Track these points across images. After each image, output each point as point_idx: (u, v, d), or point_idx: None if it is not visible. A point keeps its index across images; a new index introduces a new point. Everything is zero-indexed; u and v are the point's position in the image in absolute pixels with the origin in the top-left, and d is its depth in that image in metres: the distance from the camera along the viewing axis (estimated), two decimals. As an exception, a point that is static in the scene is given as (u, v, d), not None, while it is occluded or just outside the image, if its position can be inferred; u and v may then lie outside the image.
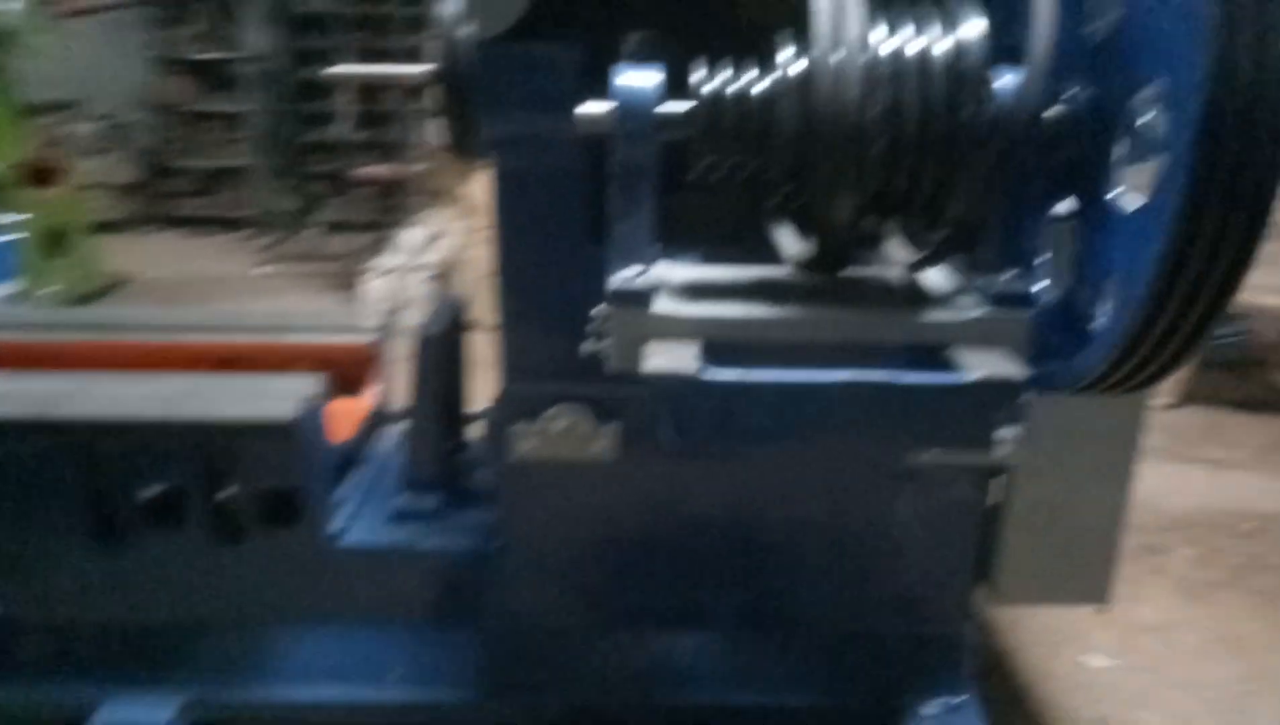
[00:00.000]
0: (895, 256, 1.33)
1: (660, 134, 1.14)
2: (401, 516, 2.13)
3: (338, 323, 2.43)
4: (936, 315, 1.12)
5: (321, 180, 7.17)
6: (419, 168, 5.08)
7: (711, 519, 1.93)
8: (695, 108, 1.15)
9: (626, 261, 1.16)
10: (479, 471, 2.35)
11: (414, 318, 4.82)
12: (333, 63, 7.03)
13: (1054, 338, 1.11)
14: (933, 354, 1.11)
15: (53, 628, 2.14)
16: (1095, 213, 1.09)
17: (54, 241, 5.27)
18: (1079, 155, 1.11)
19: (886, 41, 1.10)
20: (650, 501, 1.90)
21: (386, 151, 6.17)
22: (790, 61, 1.11)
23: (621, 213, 1.17)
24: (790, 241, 1.35)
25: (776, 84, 1.14)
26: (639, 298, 1.14)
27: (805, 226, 1.27)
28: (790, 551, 1.90)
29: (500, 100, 1.65)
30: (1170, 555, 3.18)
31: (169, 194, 7.91)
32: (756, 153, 1.15)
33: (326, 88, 7.11)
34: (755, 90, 1.14)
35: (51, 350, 2.43)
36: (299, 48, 7.22)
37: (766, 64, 1.16)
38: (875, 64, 1.07)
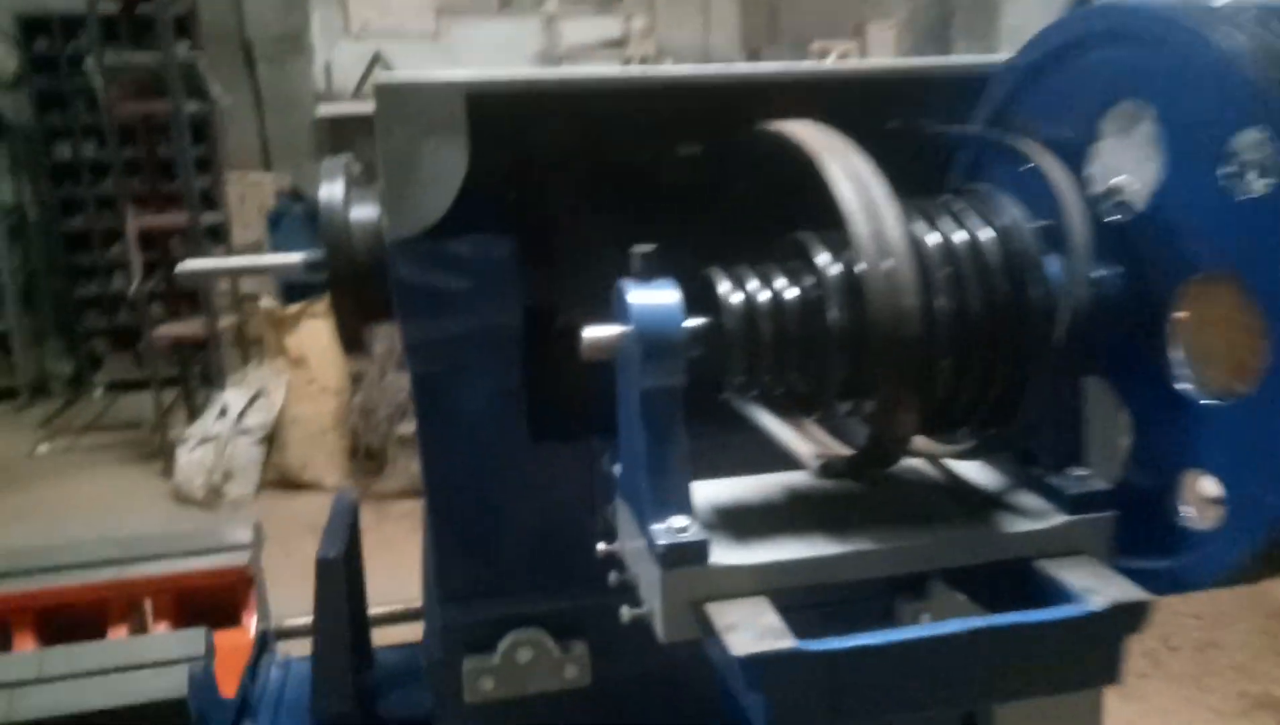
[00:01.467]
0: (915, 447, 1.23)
1: (690, 352, 0.99)
2: (318, 777, 1.79)
3: (199, 542, 2.07)
4: (1017, 526, 1.02)
5: (101, 337, 6.45)
6: (228, 321, 4.64)
7: None
8: (728, 321, 1.01)
9: (664, 508, 0.99)
10: (390, 697, 2.04)
11: (241, 488, 4.35)
12: (105, 207, 6.43)
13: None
14: (1013, 571, 1.01)
15: None
16: (1157, 403, 1.03)
17: None
18: (1123, 340, 1.05)
19: (929, 235, 1.01)
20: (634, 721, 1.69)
21: (182, 303, 5.60)
22: (829, 267, 0.99)
23: (651, 449, 1.00)
24: (797, 440, 1.22)
25: (814, 292, 1.01)
26: (694, 554, 0.96)
27: (843, 435, 1.14)
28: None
29: (419, 301, 1.45)
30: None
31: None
32: (799, 367, 1.01)
33: (104, 236, 6.48)
34: (790, 298, 1.01)
35: None
36: (63, 196, 6.54)
37: (790, 269, 1.04)
38: (928, 263, 0.97)
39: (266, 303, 4.45)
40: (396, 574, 2.43)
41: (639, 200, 1.41)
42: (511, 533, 1.57)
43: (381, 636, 2.18)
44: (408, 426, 4.12)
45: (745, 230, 1.22)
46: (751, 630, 0.91)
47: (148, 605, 2.03)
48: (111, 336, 6.76)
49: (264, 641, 2.11)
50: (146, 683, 1.56)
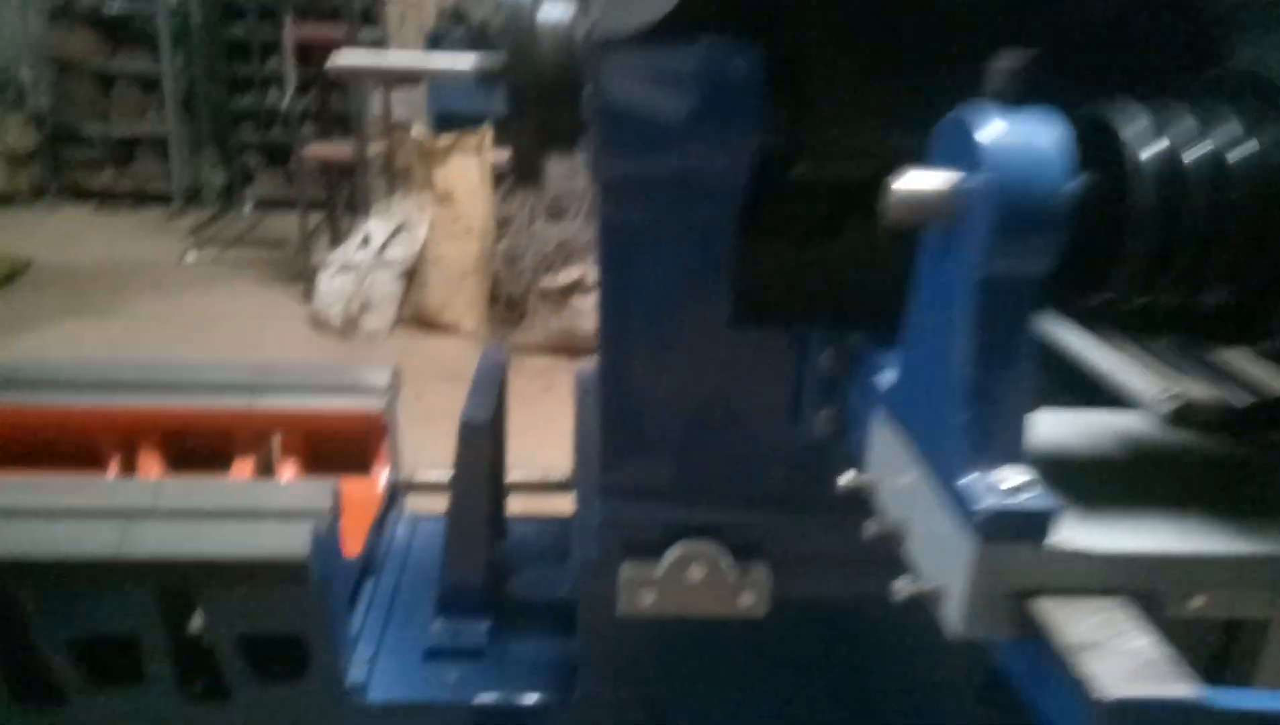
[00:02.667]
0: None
1: (1068, 228, 0.65)
2: (439, 654, 1.62)
3: (335, 380, 1.88)
4: None
5: (254, 152, 6.42)
6: (377, 147, 4.45)
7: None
8: (1137, 183, 0.66)
9: (986, 454, 0.67)
10: (522, 575, 1.84)
11: (377, 322, 4.25)
12: (266, 18, 6.27)
13: None
14: None
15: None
16: None
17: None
18: None
19: None
20: (811, 668, 1.44)
21: (334, 124, 5.46)
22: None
23: (981, 366, 0.68)
24: (1134, 371, 0.88)
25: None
26: (1030, 526, 0.65)
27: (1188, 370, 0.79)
28: None
29: (621, 126, 1.13)
30: None
31: (74, 163, 7.02)
32: (1233, 267, 0.67)
33: (263, 48, 6.36)
34: (1245, 157, 0.65)
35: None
36: (225, 1, 6.41)
37: (1221, 115, 0.67)
38: None
39: (417, 132, 4.22)
40: (525, 435, 2.23)
41: (938, 15, 1.04)
42: (696, 427, 1.29)
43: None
44: (552, 279, 3.89)
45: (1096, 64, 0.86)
46: (1120, 658, 0.60)
47: (276, 441, 1.87)
48: (264, 152, 6.73)
49: (393, 495, 1.94)
50: (267, 535, 1.38)
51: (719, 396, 1.27)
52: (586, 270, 3.93)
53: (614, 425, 1.31)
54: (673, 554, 1.30)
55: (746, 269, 1.20)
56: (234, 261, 5.47)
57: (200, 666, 1.51)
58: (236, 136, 6.73)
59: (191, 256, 5.43)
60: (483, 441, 1.56)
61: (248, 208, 6.34)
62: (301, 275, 4.74)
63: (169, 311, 4.59)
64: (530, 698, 1.55)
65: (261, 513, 1.41)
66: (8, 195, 6.29)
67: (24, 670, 1.48)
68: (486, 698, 1.54)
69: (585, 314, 3.97)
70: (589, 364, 1.96)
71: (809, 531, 1.33)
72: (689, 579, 1.30)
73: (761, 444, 1.29)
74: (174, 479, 1.51)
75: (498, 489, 1.81)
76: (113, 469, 1.81)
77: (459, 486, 1.58)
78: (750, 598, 1.31)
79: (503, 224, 4.15)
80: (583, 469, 1.56)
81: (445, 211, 4.21)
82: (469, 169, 4.18)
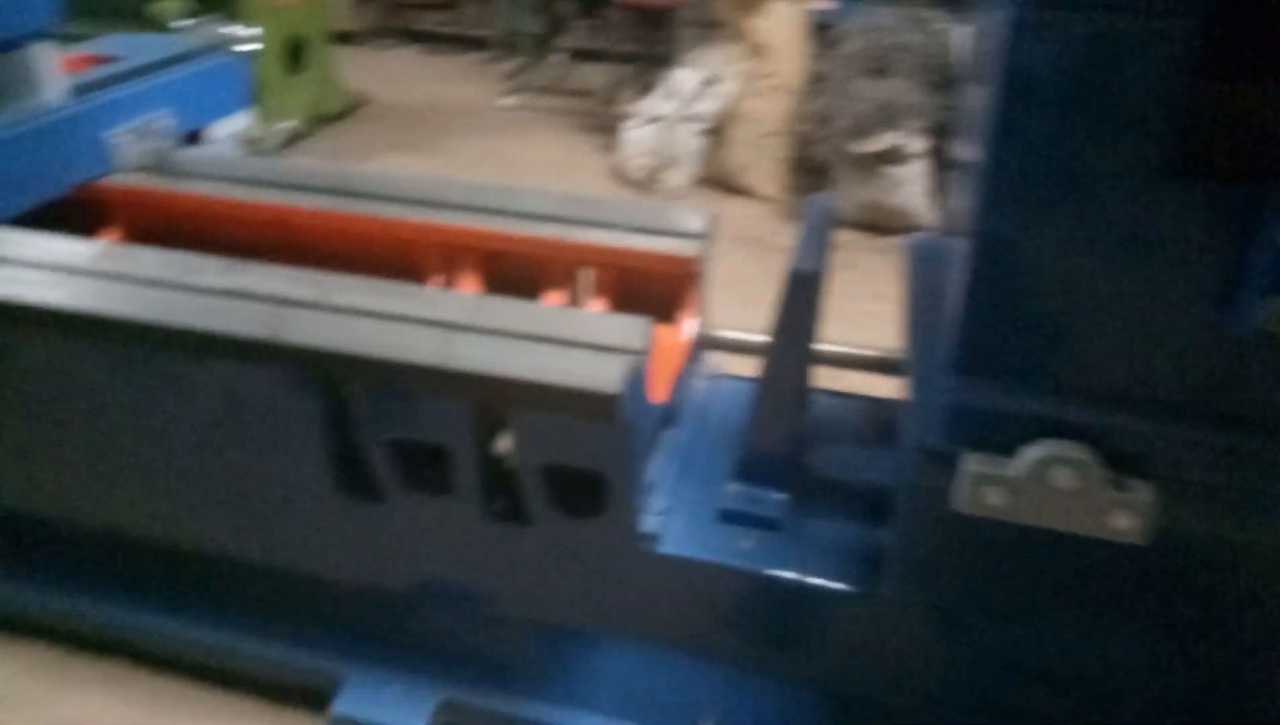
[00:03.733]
0: None
1: None
2: (734, 518, 1.53)
3: (650, 220, 1.79)
4: None
5: (569, 1, 6.45)
6: (695, -7, 4.26)
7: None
8: None
9: None
10: (824, 450, 1.71)
11: (677, 178, 4.16)
12: None
13: None
14: None
15: (290, 579, 1.73)
16: None
17: (293, 55, 4.87)
18: None
19: None
20: (1180, 626, 1.21)
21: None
22: None
23: None
24: None
25: None
26: None
27: None
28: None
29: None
30: None
31: (407, 5, 7.42)
32: None
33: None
34: None
35: (275, 215, 1.92)
36: None
37: None
38: None
39: (736, -21, 3.98)
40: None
41: None
42: (1088, 305, 1.06)
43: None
44: (864, 144, 3.58)
45: None
46: None
47: (587, 276, 1.82)
48: (579, 1, 6.75)
49: (698, 347, 1.85)
50: (580, 365, 1.32)
51: (1127, 268, 1.03)
52: (906, 137, 3.58)
53: (983, 295, 1.11)
54: (1034, 452, 1.11)
55: (1204, 102, 0.94)
56: (542, 109, 5.58)
57: (504, 489, 1.52)
58: (553, -15, 6.78)
59: (505, 102, 5.59)
60: (811, 294, 1.40)
61: (560, 56, 6.41)
62: (606, 127, 4.74)
63: (483, 154, 4.77)
64: (827, 581, 1.43)
65: (576, 342, 1.36)
66: (351, 34, 6.75)
67: (351, 465, 1.56)
68: (781, 571, 1.44)
69: (898, 185, 3.64)
70: (922, 233, 1.74)
71: (1215, 453, 1.09)
72: (1051, 483, 1.10)
73: (1173, 334, 1.05)
74: (494, 298, 1.49)
75: (809, 354, 1.67)
76: (433, 285, 1.85)
77: (780, 340, 1.45)
78: (1126, 520, 1.09)
79: (818, 80, 3.85)
80: (921, 346, 1.38)
81: (757, 65, 3.98)
82: (786, 19, 3.91)
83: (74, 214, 1.92)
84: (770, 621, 1.49)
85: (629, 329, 1.38)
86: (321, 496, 1.60)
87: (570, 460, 1.41)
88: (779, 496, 1.54)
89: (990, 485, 1.12)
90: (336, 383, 1.48)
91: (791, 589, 1.43)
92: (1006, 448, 1.12)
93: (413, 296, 1.45)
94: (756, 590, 1.46)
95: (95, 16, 3.51)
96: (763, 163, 4.06)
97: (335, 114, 5.28)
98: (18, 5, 1.82)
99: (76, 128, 1.92)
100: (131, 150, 2.02)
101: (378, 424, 1.48)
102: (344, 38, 6.19)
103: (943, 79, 3.57)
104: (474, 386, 1.35)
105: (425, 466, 1.54)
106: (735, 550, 1.48)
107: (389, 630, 1.70)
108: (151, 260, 1.60)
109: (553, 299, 1.81)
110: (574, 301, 1.83)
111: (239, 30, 2.39)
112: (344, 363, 1.39)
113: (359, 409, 1.48)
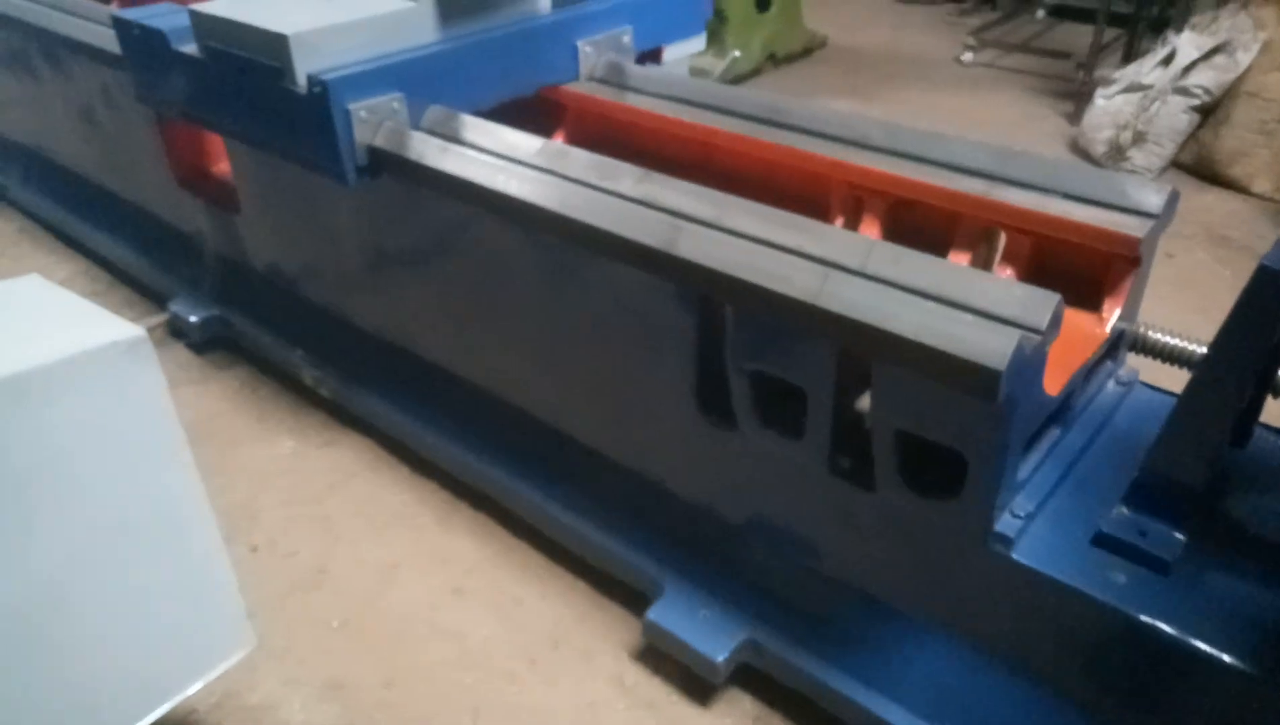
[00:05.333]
0: None
1: None
2: (1111, 545, 1.31)
3: (1093, 188, 1.55)
4: None
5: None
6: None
7: None
8: None
9: None
10: (1254, 497, 1.39)
11: (1147, 159, 3.62)
12: None
13: None
14: None
15: (639, 481, 1.81)
16: None
17: (765, -7, 4.95)
18: None
19: None
20: None
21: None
22: None
23: None
24: None
25: None
26: None
27: None
28: None
29: None
30: None
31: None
32: None
33: None
34: None
35: (700, 134, 1.96)
36: None
37: None
38: None
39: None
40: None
41: None
42: None
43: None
44: None
45: None
46: None
47: (1000, 240, 1.64)
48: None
49: (1116, 343, 1.59)
50: (966, 329, 1.18)
51: None
52: None
53: None
54: None
55: None
56: (1006, 67, 5.14)
57: (855, 448, 1.44)
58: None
59: (967, 56, 5.23)
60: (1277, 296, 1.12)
61: (1040, 13, 5.86)
62: (1075, 93, 4.24)
63: (929, 107, 4.52)
64: (1216, 650, 1.17)
65: (967, 306, 1.22)
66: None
67: (714, 387, 1.57)
68: (1157, 621, 1.21)
69: None
70: None
71: None
72: None
73: None
74: (886, 244, 1.38)
75: (1262, 377, 1.36)
76: (836, 224, 1.78)
77: (1222, 348, 1.19)
78: None
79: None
80: None
81: (1286, 36, 3.29)
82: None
83: (534, 113, 2.12)
84: (1126, 673, 1.27)
85: (1035, 303, 1.21)
86: (681, 410, 1.64)
87: (931, 433, 1.29)
88: (1175, 535, 1.29)
89: None
90: (715, 304, 1.49)
91: (1165, 645, 1.20)
92: None
93: (803, 229, 1.40)
94: (1120, 635, 1.24)
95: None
96: (1262, 153, 3.39)
97: (792, 54, 5.31)
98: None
99: (556, 35, 2.11)
100: (592, 60, 2.19)
101: (744, 352, 1.46)
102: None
103: None
104: (842, 331, 1.27)
105: (783, 407, 1.50)
106: (1104, 582, 1.26)
107: (715, 555, 1.72)
108: (580, 161, 1.70)
109: (958, 260, 1.65)
110: (981, 266, 1.66)
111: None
112: (721, 283, 1.38)
113: (731, 333, 1.47)
